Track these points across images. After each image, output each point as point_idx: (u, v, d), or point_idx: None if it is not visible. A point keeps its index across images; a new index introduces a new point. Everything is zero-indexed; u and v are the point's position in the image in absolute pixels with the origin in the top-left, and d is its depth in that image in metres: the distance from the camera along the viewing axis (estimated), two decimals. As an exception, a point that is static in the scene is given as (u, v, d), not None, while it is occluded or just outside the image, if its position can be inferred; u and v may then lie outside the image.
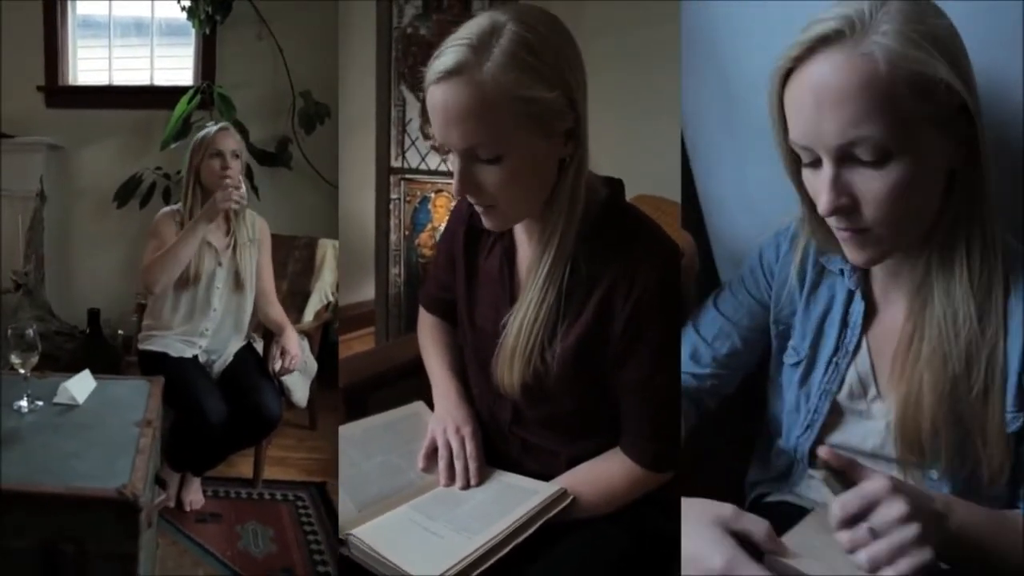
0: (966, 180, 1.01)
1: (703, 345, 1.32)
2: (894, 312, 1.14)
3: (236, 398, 2.03)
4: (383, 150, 2.63)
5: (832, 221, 1.02)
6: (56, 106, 3.10)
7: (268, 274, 2.25)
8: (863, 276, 1.18)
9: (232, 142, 2.11)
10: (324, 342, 2.63)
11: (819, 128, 0.96)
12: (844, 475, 0.93)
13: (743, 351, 1.32)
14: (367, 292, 2.84)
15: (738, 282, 1.34)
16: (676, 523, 0.94)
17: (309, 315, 2.62)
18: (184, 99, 2.84)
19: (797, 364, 1.24)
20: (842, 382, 1.19)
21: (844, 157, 0.96)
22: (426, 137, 2.62)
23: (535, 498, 1.14)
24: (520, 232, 1.24)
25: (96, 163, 3.09)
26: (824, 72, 0.95)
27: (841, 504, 0.88)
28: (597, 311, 1.13)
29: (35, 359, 1.59)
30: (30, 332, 1.58)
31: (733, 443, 1.43)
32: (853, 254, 1.05)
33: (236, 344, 2.19)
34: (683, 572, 0.92)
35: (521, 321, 1.14)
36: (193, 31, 2.99)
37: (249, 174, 2.50)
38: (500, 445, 1.30)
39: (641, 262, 1.12)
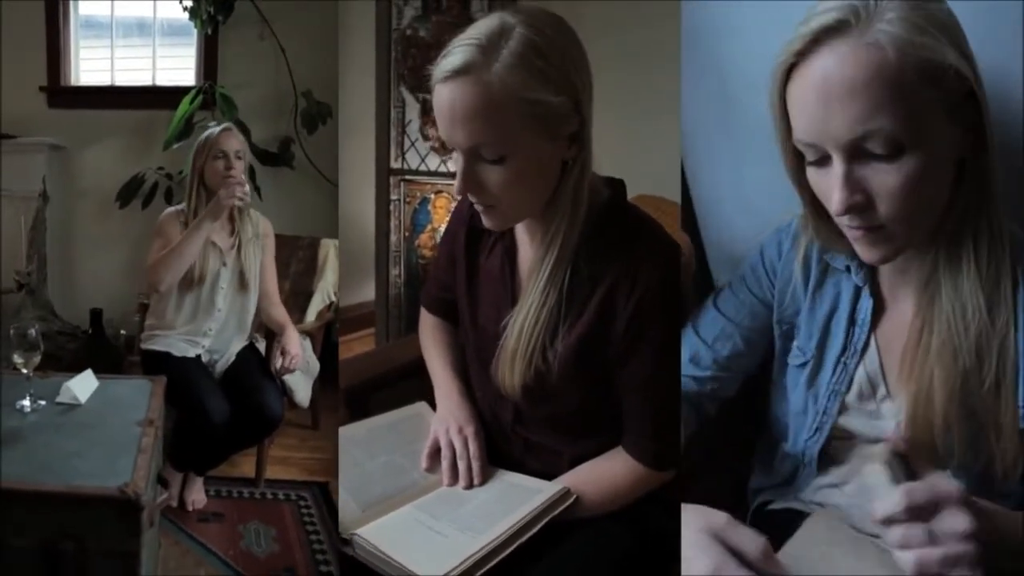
0: (974, 170, 0.98)
1: (703, 347, 1.29)
2: (903, 309, 1.12)
3: (238, 398, 2.03)
4: (383, 151, 2.63)
5: (844, 220, 0.99)
6: (58, 106, 3.11)
7: (271, 274, 2.25)
8: (870, 272, 1.15)
9: (235, 142, 2.12)
10: (327, 342, 2.63)
11: (828, 124, 0.93)
12: (908, 464, 0.90)
13: (745, 352, 1.29)
14: (367, 293, 2.84)
15: (739, 281, 1.31)
16: (678, 521, 0.94)
17: (311, 315, 2.62)
18: (186, 99, 2.84)
19: (803, 365, 1.22)
20: (851, 382, 1.17)
21: (855, 152, 0.93)
22: (426, 138, 2.62)
23: (538, 497, 1.15)
24: (521, 232, 1.24)
25: (98, 163, 3.09)
26: (831, 65, 0.92)
27: (908, 492, 0.84)
28: (599, 310, 1.13)
29: (37, 359, 1.60)
30: (32, 332, 1.59)
31: (734, 449, 1.41)
32: (866, 252, 1.02)
33: (239, 344, 2.19)
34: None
35: (522, 323, 1.15)
36: (195, 31, 2.99)
37: (251, 174, 2.50)
38: (502, 444, 1.31)
39: (643, 261, 1.12)
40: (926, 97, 0.91)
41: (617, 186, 1.20)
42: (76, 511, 1.27)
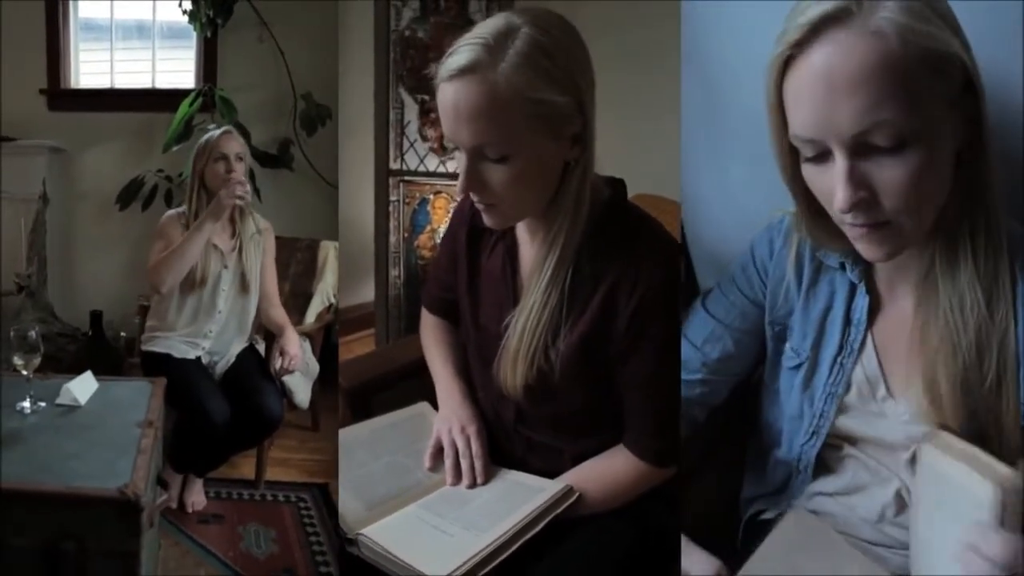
0: (971, 162, 0.95)
1: (692, 350, 1.26)
2: (901, 306, 1.10)
3: (238, 399, 2.03)
4: (382, 152, 2.63)
5: (847, 218, 0.95)
6: (58, 109, 3.11)
7: (272, 276, 2.26)
8: (865, 270, 1.12)
9: (236, 145, 2.12)
10: (326, 344, 2.63)
11: (831, 118, 0.89)
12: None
13: (735, 355, 1.26)
14: (367, 294, 2.84)
15: (728, 282, 1.27)
16: (678, 518, 0.94)
17: (311, 317, 2.63)
18: (186, 102, 2.84)
19: (798, 367, 1.19)
20: (848, 383, 1.14)
21: (858, 147, 0.89)
22: (424, 139, 2.62)
23: (541, 495, 1.15)
24: (522, 232, 1.25)
25: (98, 166, 3.10)
26: (833, 55, 0.87)
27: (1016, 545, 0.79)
28: (601, 309, 1.13)
29: (37, 360, 1.60)
30: (33, 334, 1.59)
31: (724, 458, 1.38)
32: (869, 251, 0.98)
33: (239, 346, 2.20)
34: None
35: (524, 323, 1.15)
36: (194, 34, 3.00)
37: (251, 176, 2.51)
38: (505, 443, 1.31)
39: (644, 260, 1.12)
40: (929, 87, 0.88)
41: (617, 185, 1.21)
42: (76, 512, 1.27)
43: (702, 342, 1.26)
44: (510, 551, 1.06)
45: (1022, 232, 1.03)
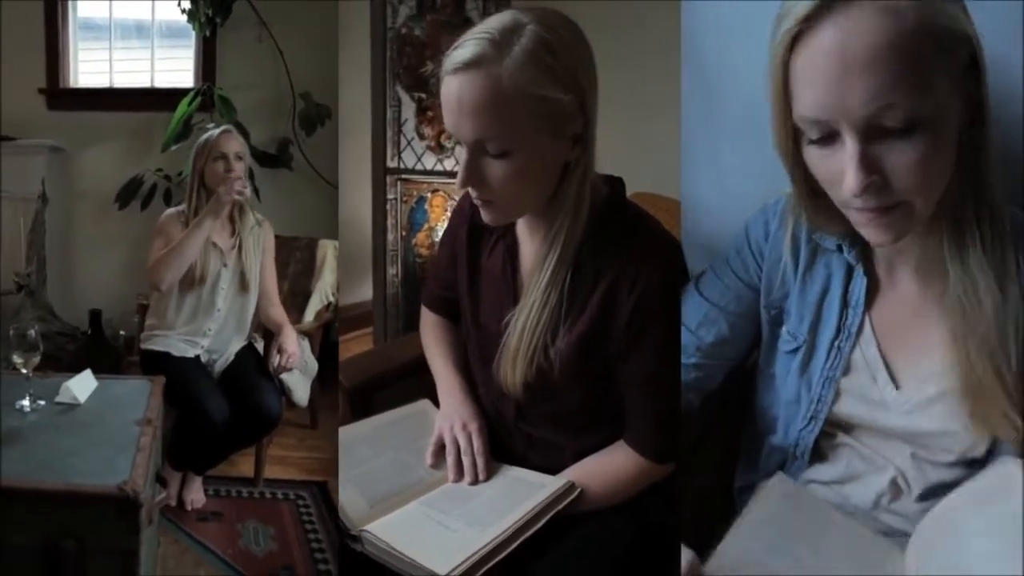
0: (973, 142, 0.93)
1: (687, 334, 1.25)
2: (902, 289, 1.09)
3: (237, 397, 2.04)
4: (379, 151, 2.64)
5: (856, 202, 0.92)
6: (57, 108, 3.11)
7: (271, 275, 2.27)
8: (863, 251, 1.10)
9: (235, 144, 2.13)
10: (325, 342, 2.64)
11: (844, 98, 0.85)
12: None
13: (729, 339, 1.25)
14: (365, 293, 2.85)
15: (723, 264, 1.26)
16: (677, 513, 0.95)
17: (310, 315, 2.63)
18: (185, 101, 2.85)
19: (795, 351, 1.18)
20: (847, 368, 1.13)
21: (869, 129, 0.87)
22: (422, 137, 2.62)
23: (543, 491, 1.16)
24: (523, 230, 1.25)
25: (97, 165, 3.10)
26: (847, 32, 0.84)
27: None
28: (601, 307, 1.14)
29: (37, 359, 1.60)
30: (32, 332, 1.60)
31: (718, 445, 1.38)
32: (876, 235, 0.96)
33: (238, 344, 2.20)
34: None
35: (525, 322, 1.16)
36: (193, 33, 3.00)
37: (250, 176, 2.51)
38: (506, 440, 1.31)
39: (644, 258, 1.13)
40: (939, 66, 0.86)
41: (616, 184, 1.21)
42: (76, 509, 1.27)
43: (696, 326, 1.25)
44: (513, 546, 1.07)
45: (1020, 215, 1.02)
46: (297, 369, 2.26)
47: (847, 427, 1.18)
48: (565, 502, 1.15)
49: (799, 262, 1.17)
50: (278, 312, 2.24)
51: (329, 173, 2.88)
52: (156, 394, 1.71)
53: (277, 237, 2.33)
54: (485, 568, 1.03)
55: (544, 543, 1.11)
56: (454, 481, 1.25)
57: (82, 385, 1.67)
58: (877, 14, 0.84)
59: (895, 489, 1.13)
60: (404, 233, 2.70)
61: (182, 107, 2.84)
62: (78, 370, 1.72)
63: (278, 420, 2.12)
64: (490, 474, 1.25)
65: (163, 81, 3.19)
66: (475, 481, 1.24)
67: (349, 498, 1.18)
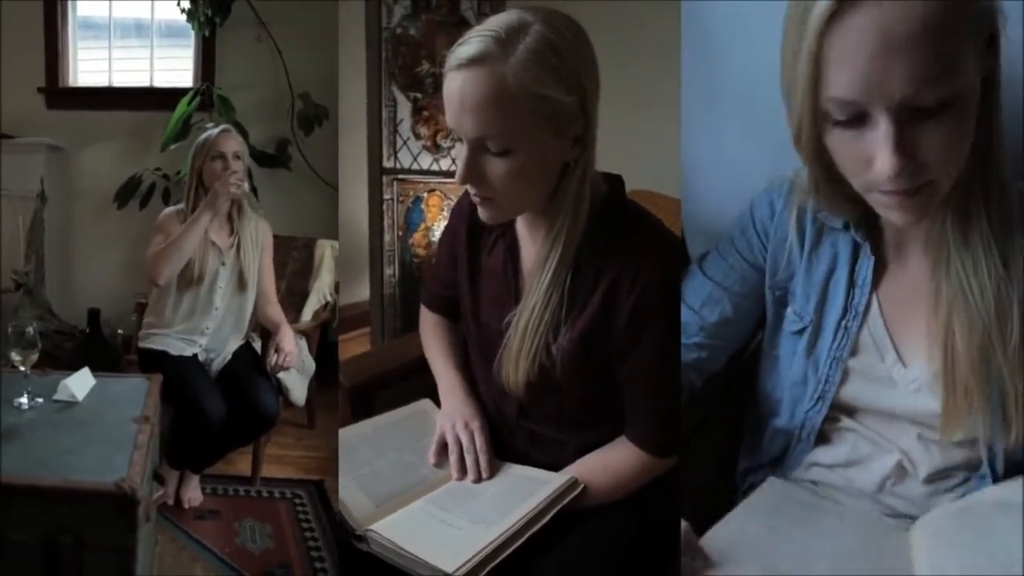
0: (984, 115, 0.92)
1: (690, 313, 1.24)
2: (911, 268, 1.09)
3: (234, 396, 2.04)
4: (375, 151, 2.64)
5: (885, 184, 0.90)
6: (56, 107, 3.12)
7: (269, 274, 2.27)
8: (870, 230, 1.09)
9: (234, 144, 2.14)
10: (323, 341, 2.65)
11: (882, 78, 0.83)
12: None
13: (733, 320, 1.24)
14: (362, 293, 2.85)
15: (727, 244, 1.25)
16: (678, 507, 0.95)
17: (307, 315, 2.64)
18: (184, 101, 2.85)
19: (801, 332, 1.17)
20: (854, 348, 1.12)
21: (902, 110, 0.85)
22: (417, 137, 2.63)
23: (547, 488, 1.16)
24: (522, 229, 1.26)
25: (96, 164, 3.10)
26: (887, 11, 0.82)
27: None
28: (601, 305, 1.15)
29: (35, 357, 1.61)
30: (30, 330, 1.60)
31: (720, 430, 1.37)
32: (901, 216, 0.94)
33: (235, 343, 2.21)
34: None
35: (527, 321, 1.16)
36: (193, 33, 3.00)
37: (249, 175, 2.52)
38: (508, 438, 1.32)
39: (644, 256, 1.13)
40: (969, 43, 0.85)
41: (615, 182, 1.22)
42: (73, 506, 1.28)
43: (700, 305, 1.24)
44: (519, 542, 1.07)
45: None
46: (294, 368, 2.27)
47: (851, 410, 1.17)
48: (569, 498, 1.16)
49: (805, 242, 1.16)
50: (276, 311, 2.24)
51: (327, 173, 2.88)
52: (154, 392, 1.72)
53: (275, 237, 2.34)
54: (492, 565, 1.04)
55: (548, 539, 1.11)
56: (457, 479, 1.26)
57: (80, 383, 1.68)
58: None
59: (901, 472, 1.12)
60: (401, 233, 2.71)
61: (181, 107, 2.85)
62: (76, 368, 1.73)
63: (275, 419, 2.13)
64: (493, 472, 1.26)
65: (162, 80, 3.20)
66: (478, 479, 1.25)
67: (353, 498, 1.19)
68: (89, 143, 3.11)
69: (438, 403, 1.39)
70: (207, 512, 2.12)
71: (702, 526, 1.03)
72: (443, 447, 1.29)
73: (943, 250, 1.01)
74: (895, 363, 1.11)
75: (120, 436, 1.49)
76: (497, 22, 1.06)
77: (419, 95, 2.59)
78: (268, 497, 2.24)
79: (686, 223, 1.59)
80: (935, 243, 1.02)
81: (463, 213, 1.33)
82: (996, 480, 1.07)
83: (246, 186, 2.14)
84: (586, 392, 1.21)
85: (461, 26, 2.47)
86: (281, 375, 2.22)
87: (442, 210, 2.68)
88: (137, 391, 1.72)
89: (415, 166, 2.66)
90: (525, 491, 1.17)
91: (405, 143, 2.64)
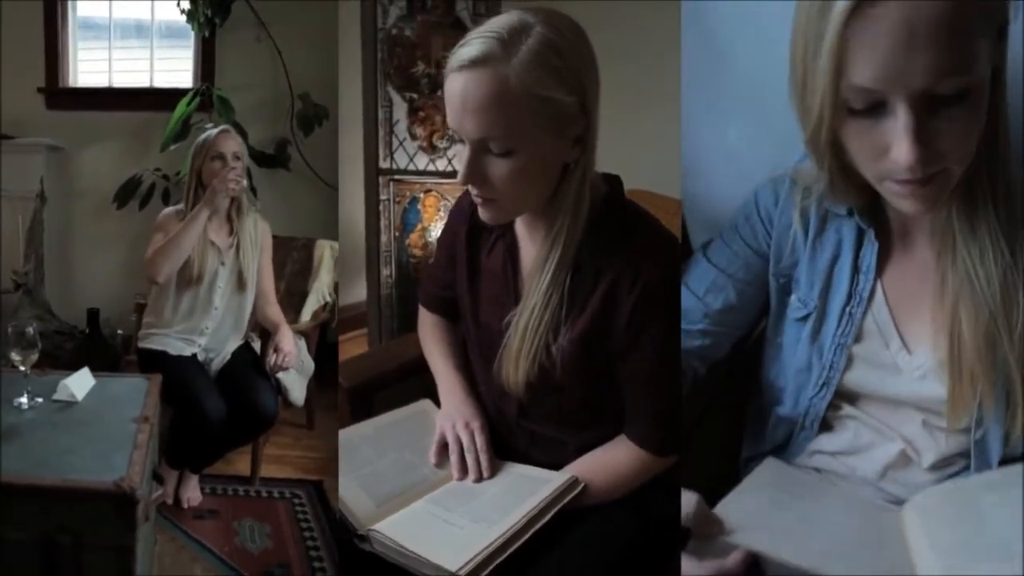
0: (991, 106, 0.93)
1: (693, 300, 1.24)
2: (918, 256, 1.09)
3: (233, 396, 2.05)
4: (371, 151, 2.64)
5: (900, 173, 0.91)
6: (56, 107, 3.13)
7: (268, 275, 2.28)
8: (875, 217, 1.10)
9: (233, 144, 2.14)
10: (321, 342, 2.65)
11: (905, 69, 0.84)
12: None
13: (737, 307, 1.24)
14: (360, 294, 2.85)
15: (731, 231, 1.25)
16: (678, 506, 0.96)
17: (306, 315, 2.64)
18: (183, 101, 2.86)
19: (805, 318, 1.17)
20: (859, 334, 1.13)
21: (922, 99, 0.86)
22: (414, 138, 2.63)
23: (548, 487, 1.17)
24: (522, 230, 1.26)
25: (96, 164, 3.11)
26: (917, 2, 0.83)
27: None
28: (602, 305, 1.15)
29: (35, 356, 1.62)
30: (30, 330, 1.61)
31: (723, 419, 1.37)
32: (914, 205, 0.95)
33: (234, 343, 2.22)
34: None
35: (527, 321, 1.16)
36: (192, 33, 3.01)
37: (248, 175, 2.53)
38: (508, 437, 1.32)
39: (643, 256, 1.14)
40: (984, 35, 0.86)
41: (614, 182, 1.22)
42: (73, 505, 1.28)
43: (704, 292, 1.25)
44: (521, 541, 1.08)
45: None
46: (293, 368, 2.27)
47: (854, 397, 1.18)
48: (569, 497, 1.16)
49: (809, 229, 1.16)
50: (275, 311, 2.25)
51: (326, 173, 2.89)
52: (153, 392, 1.72)
53: (274, 237, 2.34)
54: (495, 563, 1.04)
55: (549, 538, 1.12)
56: (458, 479, 1.26)
57: (80, 383, 1.68)
58: None
59: (904, 460, 1.13)
60: (397, 234, 2.71)
61: (181, 107, 2.85)
62: (76, 368, 1.74)
63: (274, 419, 2.13)
64: (494, 471, 1.26)
65: (162, 81, 3.20)
66: (479, 479, 1.25)
67: (355, 498, 1.19)
68: (89, 143, 3.12)
69: (438, 403, 1.39)
70: (206, 512, 2.13)
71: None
72: (444, 447, 1.30)
73: (949, 238, 1.01)
74: (900, 350, 1.11)
75: (119, 436, 1.49)
76: (499, 23, 1.06)
77: (415, 96, 2.59)
78: (267, 497, 2.24)
79: (689, 217, 1.58)
80: (941, 231, 1.03)
81: (462, 214, 1.34)
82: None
83: (244, 182, 2.14)
84: (586, 392, 1.22)
85: (456, 27, 2.47)
86: (280, 375, 2.23)
87: (439, 210, 2.68)
88: (136, 391, 1.73)
89: (411, 167, 2.66)
90: (526, 490, 1.18)
91: (401, 144, 2.64)
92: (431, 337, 1.48)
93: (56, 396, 1.64)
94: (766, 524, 0.98)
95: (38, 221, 2.95)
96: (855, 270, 1.13)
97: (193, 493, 2.15)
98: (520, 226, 1.26)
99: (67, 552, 1.28)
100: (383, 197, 2.67)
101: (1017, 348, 0.98)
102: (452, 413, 1.33)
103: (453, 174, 2.61)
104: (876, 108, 0.89)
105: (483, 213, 1.17)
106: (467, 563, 1.02)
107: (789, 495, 1.08)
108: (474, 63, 1.04)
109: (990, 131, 0.94)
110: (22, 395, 1.61)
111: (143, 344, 2.15)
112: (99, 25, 3.23)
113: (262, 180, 2.89)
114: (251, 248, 2.18)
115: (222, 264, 2.15)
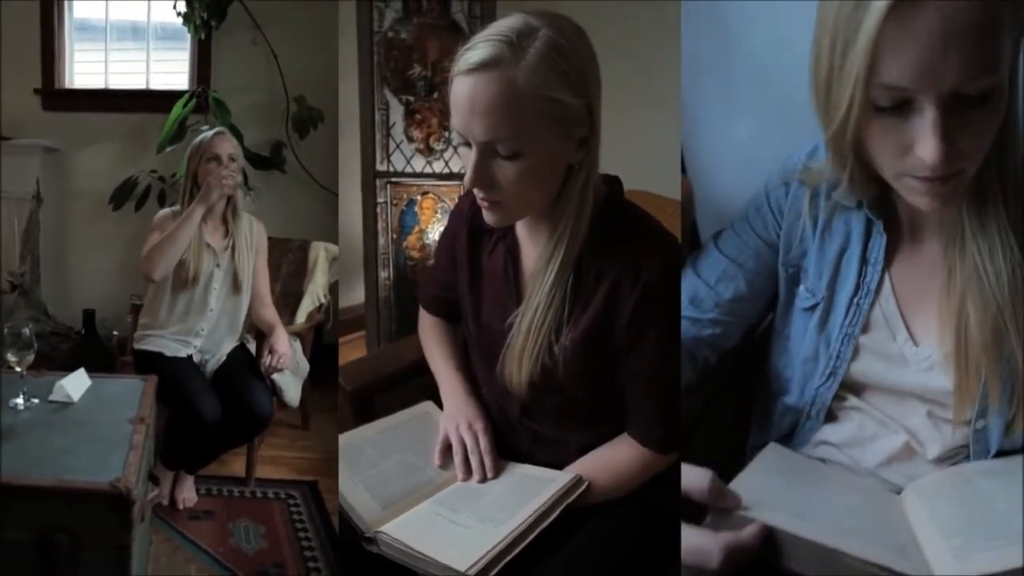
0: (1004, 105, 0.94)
1: (704, 288, 1.25)
2: (926, 248, 1.10)
3: (229, 397, 2.06)
4: (368, 154, 2.64)
5: (921, 171, 0.92)
6: (53, 109, 3.13)
7: (264, 276, 2.29)
8: (884, 207, 1.11)
9: (229, 146, 2.15)
10: (317, 343, 2.66)
11: (936, 68, 0.85)
12: None
13: (747, 297, 1.25)
14: (358, 296, 2.86)
15: (742, 222, 1.26)
16: (679, 503, 0.97)
17: (301, 317, 2.65)
18: (179, 103, 2.87)
19: (813, 308, 1.18)
20: (866, 325, 1.14)
21: (949, 98, 0.87)
22: (410, 140, 2.63)
23: (552, 486, 1.18)
24: (523, 231, 1.26)
25: (92, 166, 3.12)
26: (953, 6, 0.83)
27: None
28: (603, 305, 1.16)
29: (31, 357, 1.62)
30: (26, 331, 1.61)
31: (730, 407, 1.38)
32: (931, 202, 0.96)
33: (230, 344, 2.22)
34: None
35: (529, 322, 1.17)
36: (188, 36, 3.02)
37: (244, 177, 2.53)
38: (511, 437, 1.33)
39: (644, 256, 1.15)
40: (1010, 36, 0.87)
41: (614, 183, 1.23)
42: (70, 506, 1.28)
43: (715, 281, 1.26)
44: (528, 540, 1.09)
45: None
46: (288, 370, 2.28)
47: (859, 388, 1.19)
48: (574, 495, 1.17)
49: (818, 219, 1.18)
50: (270, 313, 2.26)
51: (321, 176, 2.90)
52: (149, 393, 1.72)
53: (270, 238, 2.35)
54: (503, 563, 1.05)
55: (555, 537, 1.13)
56: (463, 480, 1.27)
57: (76, 384, 1.68)
58: None
59: (908, 451, 1.14)
60: (395, 236, 2.71)
61: (177, 109, 2.86)
62: (72, 369, 1.74)
63: (269, 420, 2.14)
64: (498, 472, 1.27)
65: (158, 83, 3.22)
66: (484, 479, 1.26)
67: (360, 501, 1.19)
68: (85, 145, 3.13)
69: (439, 404, 1.40)
70: (201, 512, 2.13)
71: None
72: (448, 448, 1.30)
73: (958, 233, 1.03)
74: (907, 341, 1.12)
75: (115, 436, 1.49)
76: (504, 27, 1.07)
77: (411, 98, 2.59)
78: (262, 498, 2.25)
79: (699, 209, 1.58)
80: (950, 226, 1.04)
81: (462, 216, 1.34)
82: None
83: (239, 178, 2.15)
84: (587, 391, 1.22)
85: (452, 30, 2.48)
86: (275, 376, 2.24)
87: (436, 213, 2.68)
88: (132, 392, 1.73)
89: (408, 169, 2.67)
90: (531, 490, 1.19)
91: (398, 146, 2.64)
92: (432, 339, 1.48)
93: (52, 397, 1.64)
94: (777, 502, 0.99)
95: (34, 222, 2.96)
96: (863, 261, 1.14)
97: (188, 494, 2.16)
98: (521, 228, 1.27)
99: (64, 552, 1.28)
100: (380, 200, 2.67)
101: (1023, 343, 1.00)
102: (455, 414, 1.33)
103: (450, 176, 2.62)
104: (902, 106, 0.90)
105: (488, 216, 1.17)
106: (476, 563, 1.02)
107: (794, 478, 1.10)
108: (483, 66, 1.04)
109: (1001, 129, 0.96)
110: (18, 396, 1.61)
111: (139, 345, 2.15)
112: (95, 27, 3.24)
113: (258, 182, 2.90)
114: (246, 250, 2.19)
115: (217, 266, 2.15)
